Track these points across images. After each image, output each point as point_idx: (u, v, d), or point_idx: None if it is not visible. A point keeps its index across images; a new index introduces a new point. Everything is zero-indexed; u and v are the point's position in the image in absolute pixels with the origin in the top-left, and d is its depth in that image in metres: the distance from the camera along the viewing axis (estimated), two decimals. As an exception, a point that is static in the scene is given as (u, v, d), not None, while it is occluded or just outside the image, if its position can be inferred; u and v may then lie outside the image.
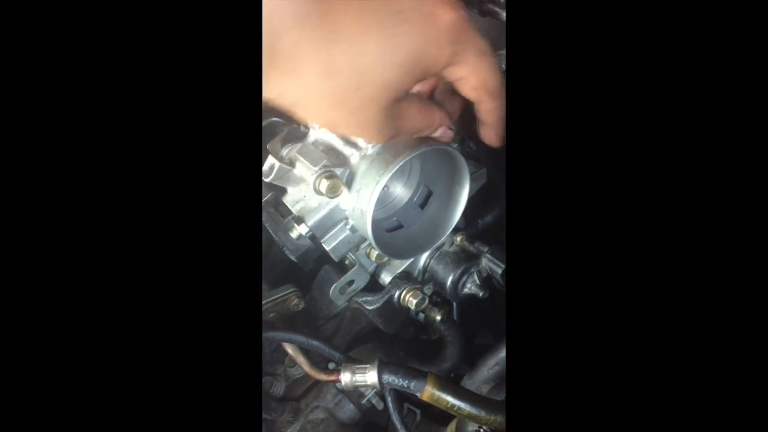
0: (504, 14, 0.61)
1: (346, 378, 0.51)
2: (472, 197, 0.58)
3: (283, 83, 0.33)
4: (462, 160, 0.49)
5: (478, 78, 0.38)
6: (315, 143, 0.49)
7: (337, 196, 0.47)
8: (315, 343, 0.52)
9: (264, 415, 0.54)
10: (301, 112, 0.35)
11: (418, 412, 0.62)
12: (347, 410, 0.57)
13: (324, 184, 0.46)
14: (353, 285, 0.54)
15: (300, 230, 0.48)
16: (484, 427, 0.54)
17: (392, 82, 0.34)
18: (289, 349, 0.54)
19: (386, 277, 0.57)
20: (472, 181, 0.54)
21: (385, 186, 0.48)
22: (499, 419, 0.50)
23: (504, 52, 0.63)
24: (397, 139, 0.47)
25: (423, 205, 0.55)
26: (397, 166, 0.44)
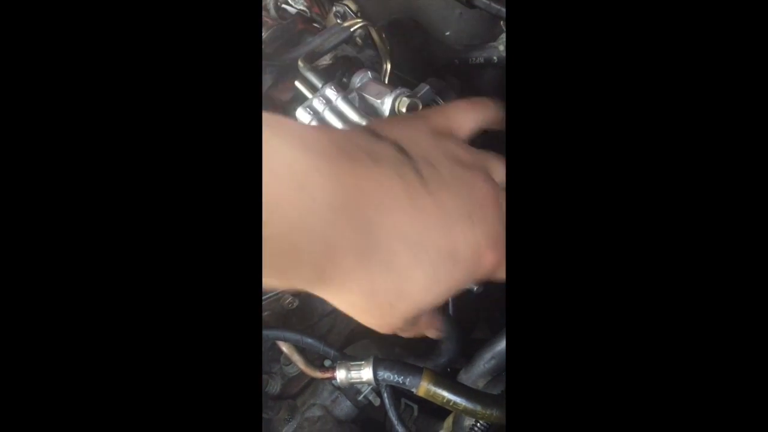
0: (496, 7, 0.61)
1: (341, 375, 0.50)
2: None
3: (322, 293, 0.33)
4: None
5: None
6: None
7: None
8: (309, 340, 0.52)
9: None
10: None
11: (415, 407, 0.62)
12: (344, 407, 0.57)
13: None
14: (347, 282, 0.54)
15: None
16: (480, 422, 0.54)
17: (426, 304, 0.35)
18: (284, 347, 0.54)
19: (380, 274, 0.56)
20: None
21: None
22: (495, 413, 0.50)
23: (495, 43, 0.63)
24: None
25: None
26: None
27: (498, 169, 0.38)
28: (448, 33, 0.70)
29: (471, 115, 0.39)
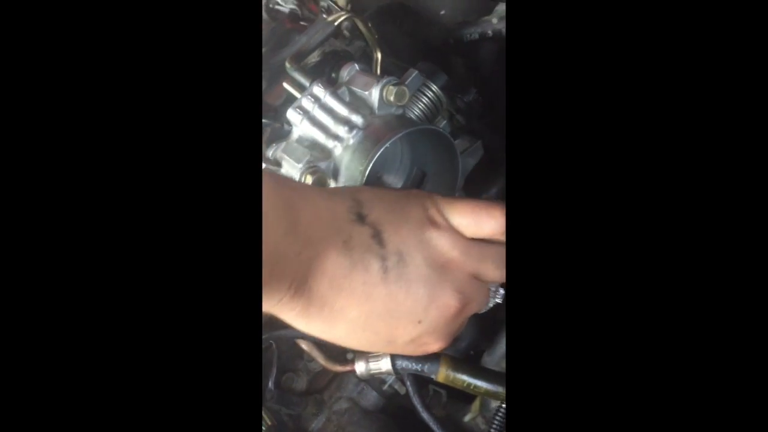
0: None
1: (360, 368, 0.51)
2: (472, 173, 0.57)
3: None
4: (449, 140, 0.48)
5: None
6: (299, 140, 0.49)
7: (326, 190, 0.47)
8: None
9: (287, 411, 0.55)
10: None
11: (443, 392, 0.62)
12: (370, 398, 0.58)
13: (309, 180, 0.46)
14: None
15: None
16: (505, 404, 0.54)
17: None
18: (304, 344, 0.54)
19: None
20: (467, 156, 0.53)
21: (377, 174, 0.47)
22: (518, 394, 0.49)
23: (488, 17, 0.61)
24: (377, 124, 0.47)
25: (418, 187, 0.54)
26: (376, 156, 0.44)
27: (493, 270, 0.40)
28: (443, 12, 0.69)
29: (475, 221, 0.40)
